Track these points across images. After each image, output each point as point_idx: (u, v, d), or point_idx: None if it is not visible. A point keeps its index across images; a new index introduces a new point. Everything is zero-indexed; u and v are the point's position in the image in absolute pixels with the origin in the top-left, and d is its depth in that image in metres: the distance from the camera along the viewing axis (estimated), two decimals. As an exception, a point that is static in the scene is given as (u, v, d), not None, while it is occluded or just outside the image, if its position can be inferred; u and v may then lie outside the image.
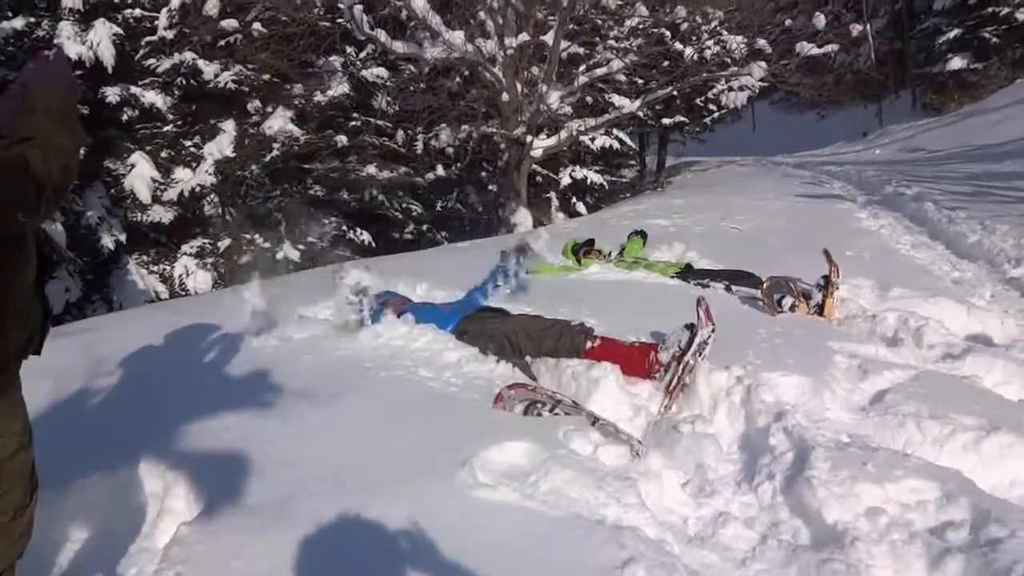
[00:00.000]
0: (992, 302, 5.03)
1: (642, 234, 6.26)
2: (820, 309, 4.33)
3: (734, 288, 4.89)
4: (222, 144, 12.28)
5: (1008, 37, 24.84)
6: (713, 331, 3.13)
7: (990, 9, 24.93)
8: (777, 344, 3.63)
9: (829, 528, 2.19)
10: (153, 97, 12.09)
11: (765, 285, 4.39)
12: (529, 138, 11.58)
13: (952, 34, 26.18)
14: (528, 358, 3.45)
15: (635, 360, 3.25)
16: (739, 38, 13.53)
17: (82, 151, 1.62)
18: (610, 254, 5.94)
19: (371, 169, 13.56)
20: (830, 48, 13.09)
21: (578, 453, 2.47)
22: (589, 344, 3.35)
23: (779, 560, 2.12)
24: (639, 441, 2.74)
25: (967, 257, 6.55)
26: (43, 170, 1.43)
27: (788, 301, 4.30)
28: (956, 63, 26.04)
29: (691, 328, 3.15)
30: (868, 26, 28.69)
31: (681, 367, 3.06)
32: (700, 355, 3.08)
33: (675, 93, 14.14)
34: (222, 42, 12.30)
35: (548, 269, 5.58)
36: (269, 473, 2.30)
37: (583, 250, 5.85)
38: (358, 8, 10.19)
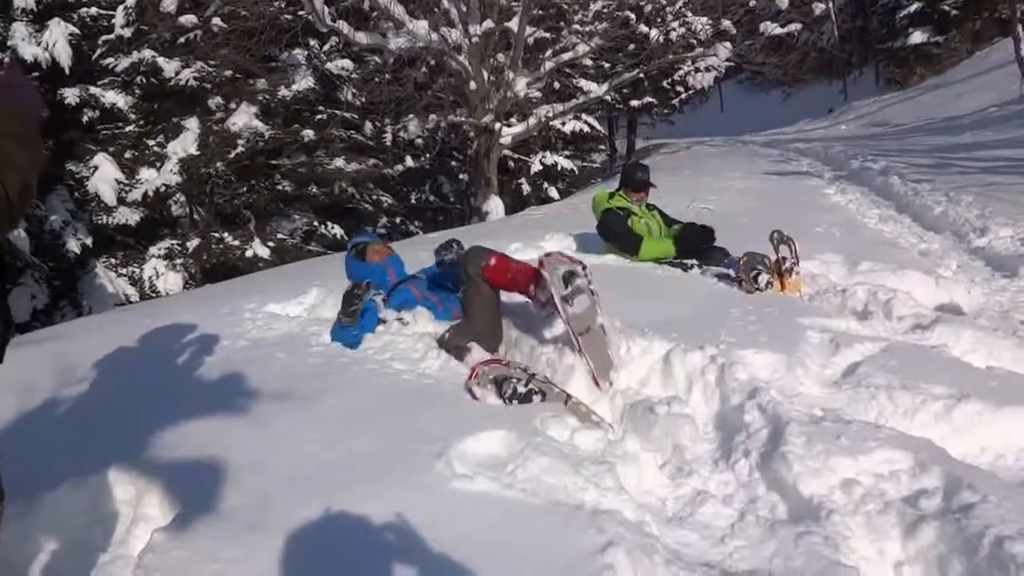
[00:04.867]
0: (959, 272, 5.11)
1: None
2: (780, 287, 4.39)
3: (704, 266, 4.92)
4: (186, 142, 12.10)
5: (967, 10, 25.18)
6: (584, 268, 3.22)
7: (949, -18, 25.24)
8: (750, 322, 3.65)
9: (805, 502, 2.21)
10: (113, 97, 11.88)
11: (742, 261, 4.43)
12: (498, 125, 11.55)
13: (912, 8, 26.50)
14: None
15: (519, 279, 3.34)
16: (703, 19, 13.57)
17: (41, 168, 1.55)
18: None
19: (339, 162, 13.45)
20: (793, 27, 13.20)
21: (555, 439, 2.47)
22: (483, 262, 3.38)
23: (757, 536, 2.13)
24: (610, 425, 2.78)
25: (933, 229, 6.64)
26: None
27: (764, 278, 4.34)
28: (917, 37, 26.38)
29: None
30: (830, 4, 28.93)
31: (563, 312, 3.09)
32: (576, 298, 3.10)
33: (642, 76, 14.19)
34: (181, 39, 12.09)
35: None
36: (244, 476, 2.27)
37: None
38: (319, 0, 10.06)
